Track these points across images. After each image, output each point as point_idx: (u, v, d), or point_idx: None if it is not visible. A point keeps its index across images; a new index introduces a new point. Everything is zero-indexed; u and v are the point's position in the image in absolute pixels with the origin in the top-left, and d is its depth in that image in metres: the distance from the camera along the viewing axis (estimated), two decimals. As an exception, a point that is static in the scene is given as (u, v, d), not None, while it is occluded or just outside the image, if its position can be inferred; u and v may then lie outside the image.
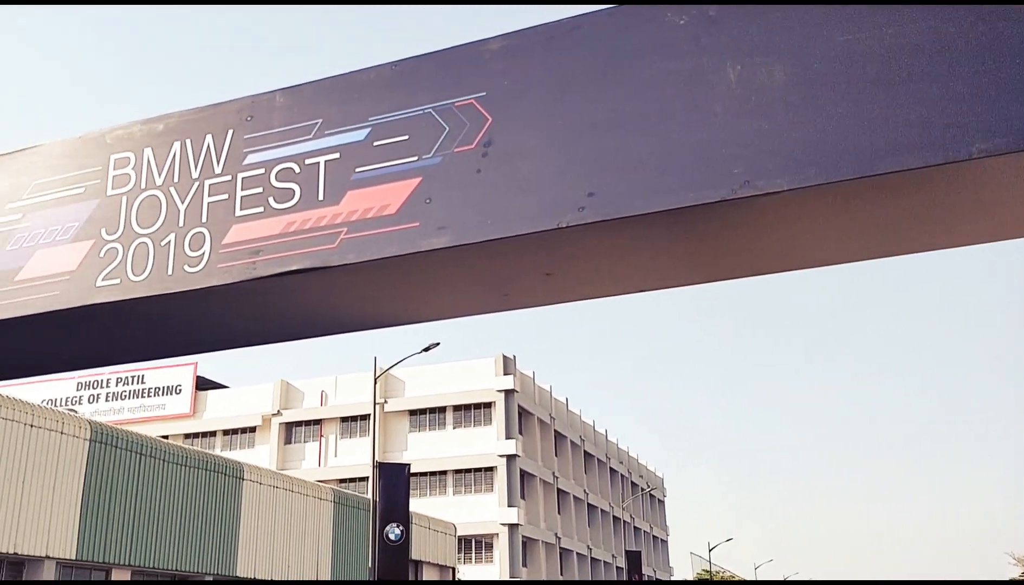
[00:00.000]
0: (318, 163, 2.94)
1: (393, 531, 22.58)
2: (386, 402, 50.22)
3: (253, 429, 53.15)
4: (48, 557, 21.06)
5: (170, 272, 3.01)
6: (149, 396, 53.50)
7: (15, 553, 20.33)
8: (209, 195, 3.05)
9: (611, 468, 67.86)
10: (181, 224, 3.06)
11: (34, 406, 21.68)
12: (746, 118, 2.52)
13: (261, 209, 2.96)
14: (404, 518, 23.24)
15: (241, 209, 2.99)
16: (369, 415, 50.40)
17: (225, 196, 3.03)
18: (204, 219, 3.03)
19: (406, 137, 2.87)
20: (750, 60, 2.54)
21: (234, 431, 53.50)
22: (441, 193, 2.78)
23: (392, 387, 50.81)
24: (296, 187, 2.94)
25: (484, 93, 2.84)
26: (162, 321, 3.27)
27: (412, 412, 51.03)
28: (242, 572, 26.91)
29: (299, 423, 52.91)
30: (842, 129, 2.41)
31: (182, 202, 3.08)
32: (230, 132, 3.10)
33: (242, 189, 3.01)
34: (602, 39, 2.75)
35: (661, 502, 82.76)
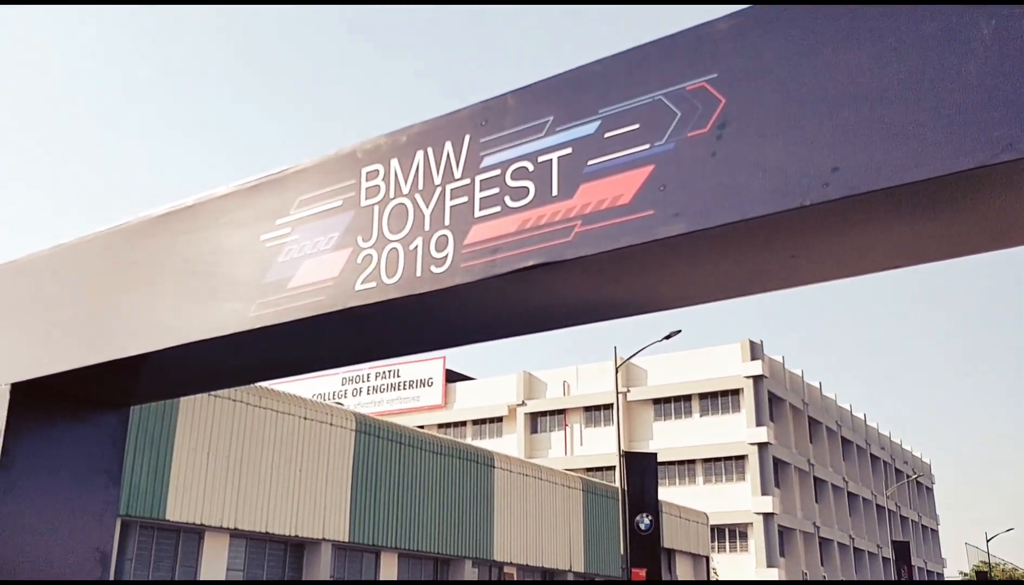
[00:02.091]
0: (551, 159, 3.00)
1: (643, 521, 22.61)
2: (628, 391, 50.30)
3: (500, 419, 54.98)
4: (325, 540, 22.88)
5: (419, 273, 3.18)
6: (404, 389, 56.65)
7: (296, 536, 22.25)
8: (451, 199, 3.19)
9: (872, 454, 64.29)
10: (427, 228, 3.22)
11: (306, 401, 23.62)
12: (1005, 76, 2.31)
13: (498, 208, 3.06)
14: (653, 508, 23.21)
15: (480, 210, 3.11)
16: (612, 405, 50.74)
17: (465, 199, 3.16)
18: (447, 222, 3.18)
19: (637, 126, 2.86)
20: (1006, 12, 2.33)
21: (482, 421, 55.58)
22: (675, 179, 2.75)
23: (634, 376, 50.80)
24: (530, 185, 3.01)
25: (716, 75, 2.78)
26: (413, 319, 3.47)
27: (656, 401, 50.81)
28: (498, 557, 27.95)
29: (543, 413, 54.15)
30: (1124, 76, 2.15)
31: (427, 207, 3.25)
32: (467, 137, 3.22)
33: (480, 191, 3.13)
34: (838, 7, 2.61)
35: (929, 489, 77.41)
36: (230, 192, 3.92)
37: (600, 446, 50.84)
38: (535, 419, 54.15)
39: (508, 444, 51.69)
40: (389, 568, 25.02)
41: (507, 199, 3.05)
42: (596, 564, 32.26)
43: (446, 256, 3.13)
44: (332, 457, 23.36)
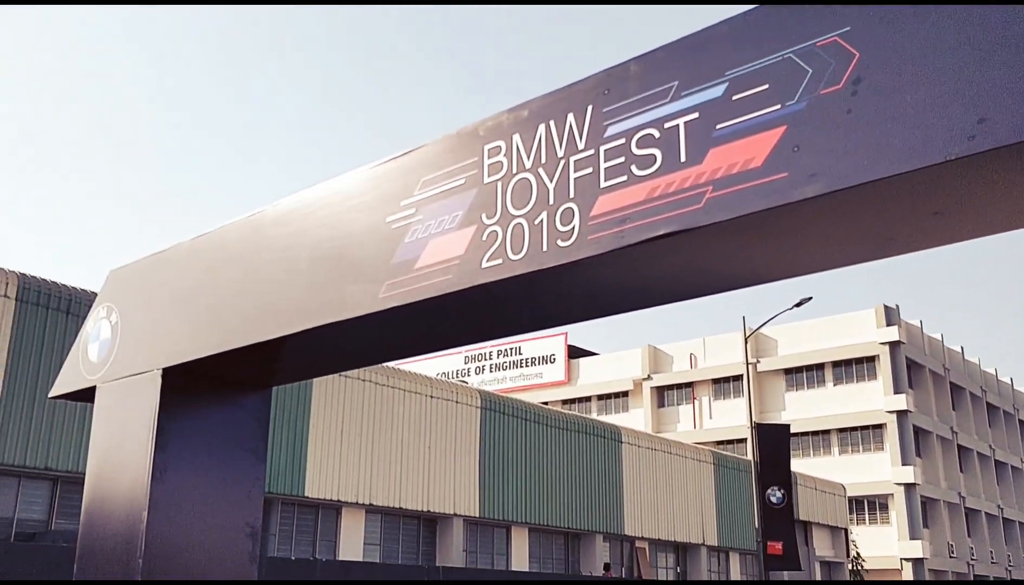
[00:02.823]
0: (677, 125, 2.93)
1: (775, 494, 22.17)
2: (758, 362, 49.24)
3: (625, 394, 54.69)
4: (456, 515, 23.33)
5: (544, 248, 3.17)
6: (527, 366, 56.93)
7: (428, 511, 22.76)
8: (575, 171, 3.16)
9: (1020, 420, 61.07)
10: (551, 202, 3.20)
11: (432, 379, 24.08)
12: None
13: (624, 178, 3.01)
14: (785, 480, 22.71)
15: (605, 180, 3.07)
16: (742, 376, 49.78)
17: (589, 170, 3.12)
18: (571, 194, 3.15)
19: (766, 86, 2.77)
20: None
21: (607, 396, 55.39)
22: (809, 139, 2.64)
23: (764, 346, 49.69)
24: (657, 152, 2.95)
25: (848, 28, 2.65)
26: (540, 294, 3.46)
27: (787, 370, 49.58)
28: (629, 531, 27.93)
29: (670, 387, 53.58)
30: None
31: (550, 181, 3.23)
32: (589, 108, 3.18)
33: (605, 161, 3.09)
34: (983, -56, 2.45)
35: (1084, 458, 73.07)
36: (356, 177, 4.00)
37: (730, 418, 50.01)
38: (662, 393, 53.65)
39: (635, 419, 51.41)
40: (520, 542, 25.33)
41: (633, 168, 3.00)
42: (730, 538, 31.85)
43: (572, 229, 3.11)
44: (459, 434, 23.76)
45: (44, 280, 16.82)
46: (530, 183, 3.29)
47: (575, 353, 57.61)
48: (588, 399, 55.73)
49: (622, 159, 3.04)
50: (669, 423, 52.38)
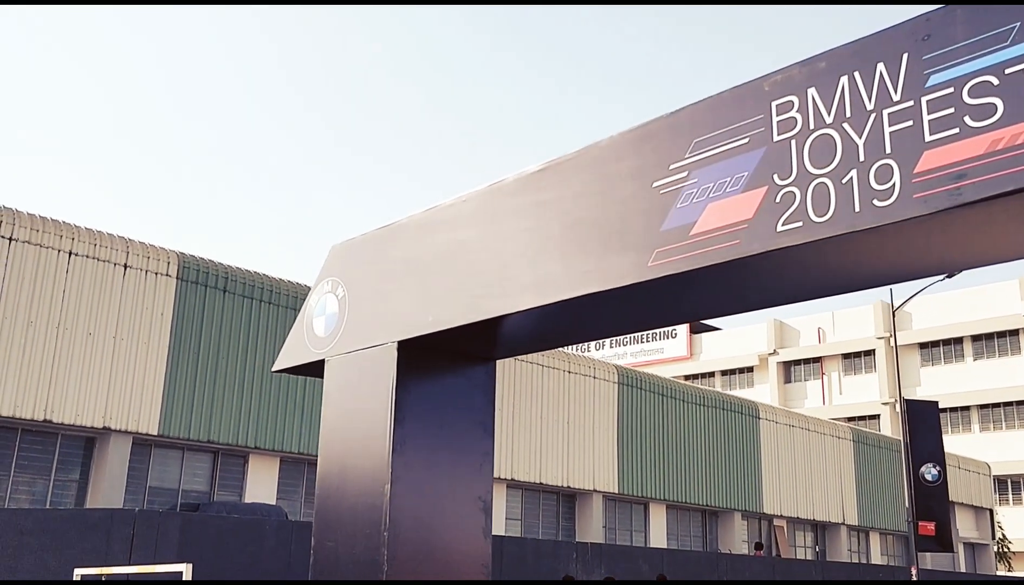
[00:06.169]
0: (1022, 71, 2.68)
1: (930, 471, 21.29)
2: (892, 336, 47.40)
3: (750, 369, 53.58)
4: (595, 491, 23.28)
5: (858, 209, 2.96)
6: (648, 341, 56.39)
7: (567, 487, 22.77)
8: (889, 124, 2.95)
9: None
10: (861, 159, 2.99)
11: (569, 355, 24.00)
12: None
13: (956, 130, 2.78)
14: (939, 458, 21.78)
15: (931, 134, 2.84)
16: (872, 350, 48.14)
17: (909, 123, 2.90)
18: (888, 150, 2.93)
19: None
20: None
21: (731, 372, 54.39)
22: None
23: (898, 320, 47.81)
24: (998, 101, 2.71)
25: None
26: (848, 259, 3.26)
27: (923, 345, 47.69)
28: (768, 509, 27.36)
29: (797, 362, 52.26)
30: None
31: (859, 136, 3.02)
32: (904, 56, 2.95)
33: (928, 113, 2.86)
34: None
35: None
36: (612, 141, 3.86)
37: (861, 394, 48.44)
38: (788, 368, 52.33)
39: (760, 394, 50.25)
40: (658, 519, 25.12)
41: (967, 119, 2.76)
42: (871, 517, 30.87)
43: (892, 187, 2.89)
44: (598, 410, 23.65)
45: (202, 259, 17.41)
46: (832, 139, 3.09)
47: (696, 328, 56.71)
48: (711, 374, 54.84)
49: (951, 110, 2.81)
50: (796, 399, 51.11)
